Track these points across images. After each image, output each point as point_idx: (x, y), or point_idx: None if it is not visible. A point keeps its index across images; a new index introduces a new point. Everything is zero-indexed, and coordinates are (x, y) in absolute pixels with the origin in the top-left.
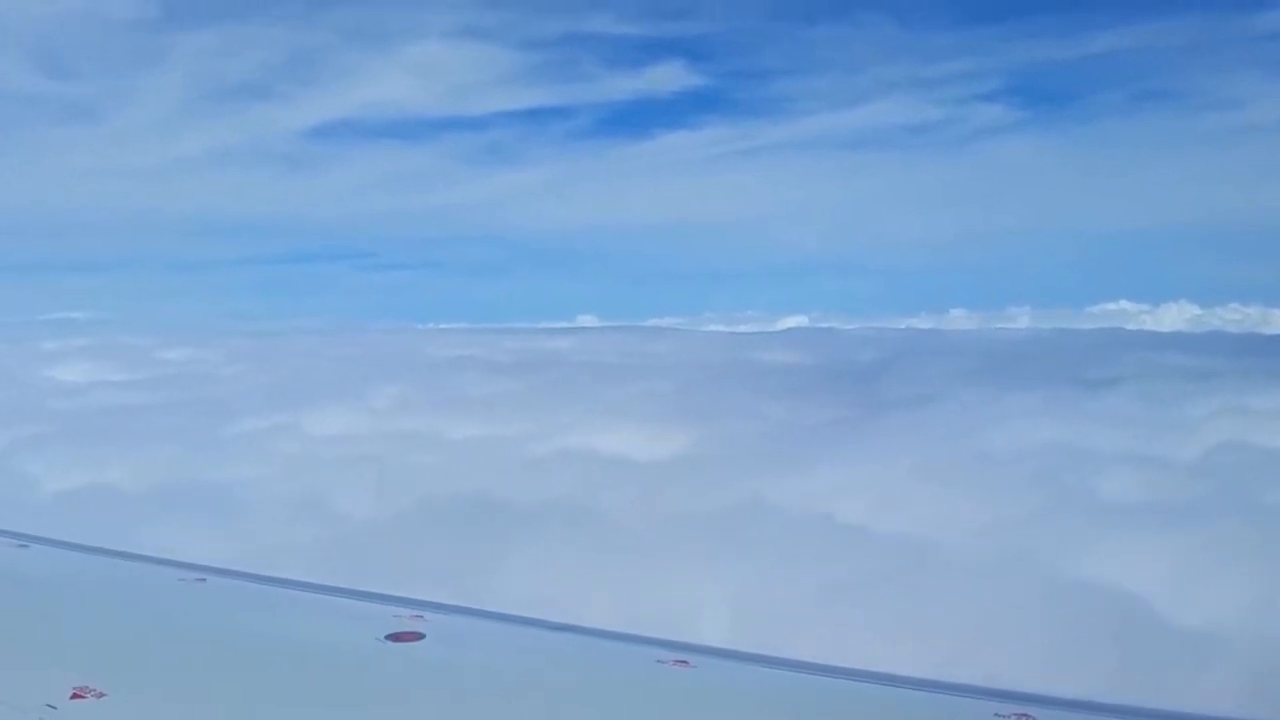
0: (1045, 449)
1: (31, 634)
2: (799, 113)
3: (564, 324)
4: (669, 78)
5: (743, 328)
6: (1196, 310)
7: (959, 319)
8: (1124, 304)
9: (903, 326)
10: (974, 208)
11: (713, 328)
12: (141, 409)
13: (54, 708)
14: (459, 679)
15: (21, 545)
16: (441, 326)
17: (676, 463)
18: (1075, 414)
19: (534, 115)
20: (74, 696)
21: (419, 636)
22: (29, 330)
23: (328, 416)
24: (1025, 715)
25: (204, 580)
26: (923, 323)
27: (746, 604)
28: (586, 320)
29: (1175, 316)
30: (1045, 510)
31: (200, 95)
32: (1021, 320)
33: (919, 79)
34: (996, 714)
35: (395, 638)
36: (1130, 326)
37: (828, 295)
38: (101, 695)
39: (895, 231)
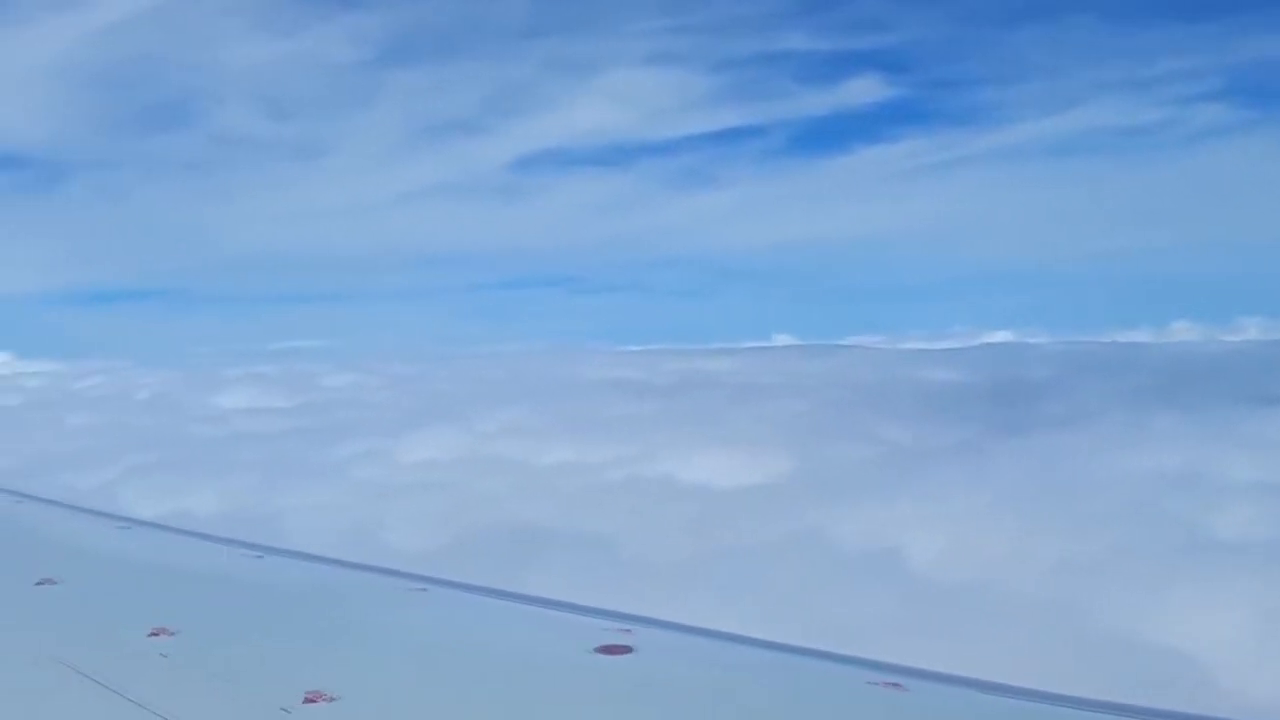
0: (1161, 474)
1: (268, 641)
2: (1003, 120)
3: (759, 344)
4: (865, 91)
5: (945, 344)
6: None
7: (1181, 331)
8: None
9: (1113, 340)
10: (1200, 213)
11: (913, 345)
12: (264, 435)
13: (287, 711)
14: (667, 694)
15: (258, 556)
16: (632, 348)
17: (747, 491)
18: (1224, 434)
19: (730, 136)
20: (307, 700)
21: (628, 650)
22: (248, 359)
23: (423, 441)
24: None
25: (425, 590)
26: (1141, 336)
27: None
28: (783, 340)
29: None
30: (1121, 544)
31: (414, 131)
32: (1250, 332)
33: (1134, 79)
34: None
35: (605, 650)
36: None
37: (1041, 309)
38: (333, 699)
39: (1113, 241)
